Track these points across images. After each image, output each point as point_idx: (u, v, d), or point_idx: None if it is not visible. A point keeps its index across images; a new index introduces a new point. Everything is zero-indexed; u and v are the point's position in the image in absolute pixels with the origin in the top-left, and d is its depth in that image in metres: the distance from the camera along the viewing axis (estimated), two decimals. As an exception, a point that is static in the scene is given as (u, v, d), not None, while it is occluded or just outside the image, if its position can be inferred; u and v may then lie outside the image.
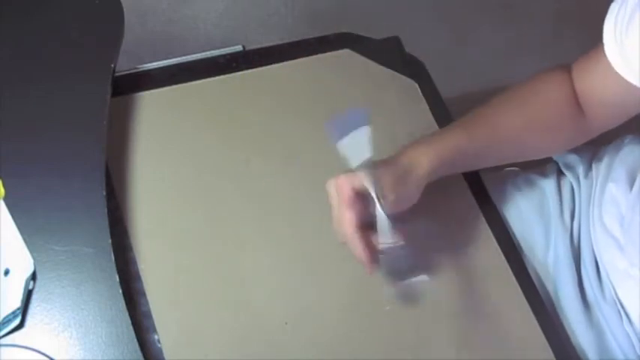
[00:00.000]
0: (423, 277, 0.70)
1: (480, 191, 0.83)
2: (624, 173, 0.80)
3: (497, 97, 0.77)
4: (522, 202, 0.87)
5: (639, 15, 0.65)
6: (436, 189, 0.79)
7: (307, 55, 0.87)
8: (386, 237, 0.65)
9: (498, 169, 0.95)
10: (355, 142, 0.66)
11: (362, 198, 0.65)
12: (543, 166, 0.91)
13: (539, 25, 1.80)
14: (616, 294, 0.77)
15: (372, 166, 0.66)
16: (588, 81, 0.75)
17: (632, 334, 0.76)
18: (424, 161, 0.70)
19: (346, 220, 0.65)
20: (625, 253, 0.75)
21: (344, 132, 0.66)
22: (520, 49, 1.74)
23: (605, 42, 0.69)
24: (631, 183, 0.79)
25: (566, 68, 0.77)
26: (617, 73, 0.69)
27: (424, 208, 0.79)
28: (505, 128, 0.75)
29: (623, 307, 0.76)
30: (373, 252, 0.65)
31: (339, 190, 0.65)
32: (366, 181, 0.65)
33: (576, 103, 0.76)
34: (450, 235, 0.79)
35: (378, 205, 0.65)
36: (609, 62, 0.69)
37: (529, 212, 0.86)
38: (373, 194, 0.65)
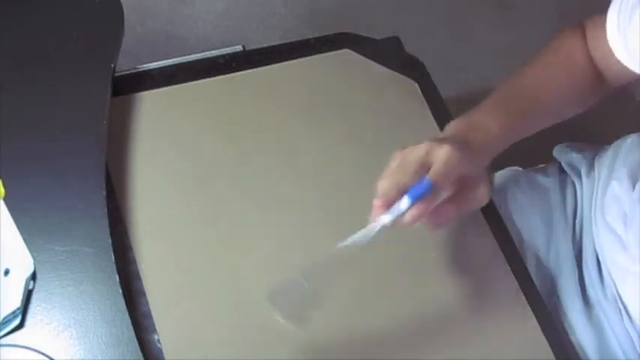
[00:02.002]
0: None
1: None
2: (627, 172, 0.80)
3: (520, 73, 0.76)
4: (524, 201, 0.87)
5: None
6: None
7: (307, 55, 0.87)
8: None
9: (500, 168, 0.95)
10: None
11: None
12: (545, 165, 0.91)
13: (539, 25, 1.80)
14: (617, 292, 0.77)
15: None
16: (597, 45, 0.74)
17: (632, 333, 0.76)
18: (489, 147, 0.68)
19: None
20: (627, 250, 0.75)
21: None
22: (520, 49, 1.73)
23: (608, 30, 0.69)
24: (633, 181, 0.79)
25: (579, 27, 0.77)
26: (617, 59, 0.69)
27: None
28: (544, 101, 0.74)
29: (624, 304, 0.76)
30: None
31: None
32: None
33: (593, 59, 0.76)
34: (449, 234, 0.79)
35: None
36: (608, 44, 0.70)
37: (531, 210, 0.86)
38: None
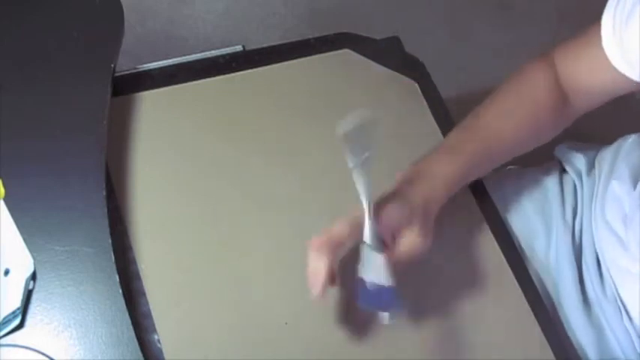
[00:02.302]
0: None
1: (480, 191, 0.83)
2: (627, 171, 0.80)
3: (484, 107, 0.76)
4: (524, 200, 0.87)
5: None
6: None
7: (307, 55, 0.87)
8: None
9: (500, 167, 0.95)
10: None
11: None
12: (546, 164, 0.91)
13: (539, 25, 1.80)
14: (617, 292, 0.77)
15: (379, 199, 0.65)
16: (574, 66, 0.75)
17: (632, 332, 0.76)
18: (438, 198, 0.69)
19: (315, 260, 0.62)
20: (627, 250, 0.75)
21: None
22: (520, 49, 1.73)
23: (603, 34, 0.69)
24: (634, 181, 0.79)
25: (546, 57, 0.77)
26: (606, 62, 0.70)
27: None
28: (498, 140, 0.75)
29: (624, 304, 0.76)
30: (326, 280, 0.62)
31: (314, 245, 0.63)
32: (358, 184, 0.63)
33: (559, 90, 0.76)
34: (449, 235, 0.79)
35: (366, 221, 0.63)
36: (603, 53, 0.70)
37: (531, 210, 0.86)
38: (364, 203, 0.63)
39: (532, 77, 0.77)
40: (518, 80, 0.78)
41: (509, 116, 0.76)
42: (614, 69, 0.69)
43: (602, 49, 0.70)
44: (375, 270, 0.63)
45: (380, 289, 0.63)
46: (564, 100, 0.76)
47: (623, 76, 0.69)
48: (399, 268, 0.64)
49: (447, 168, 0.71)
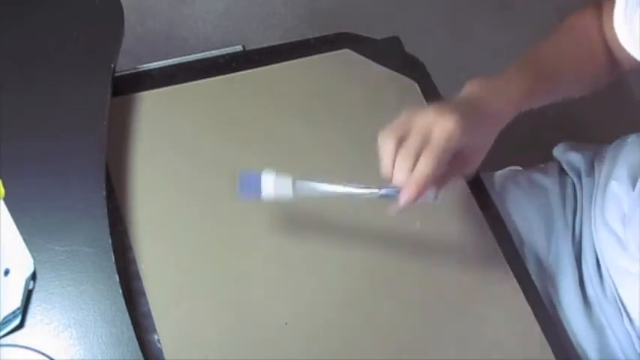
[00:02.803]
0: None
1: (480, 191, 0.83)
2: (626, 172, 0.80)
3: (543, 43, 0.76)
4: (524, 201, 0.87)
5: None
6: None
7: (307, 55, 0.87)
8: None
9: (500, 168, 0.95)
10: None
11: None
12: (545, 165, 0.91)
13: (539, 25, 1.80)
14: (617, 292, 0.77)
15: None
16: (608, 30, 0.75)
17: (632, 333, 0.76)
18: (507, 108, 0.67)
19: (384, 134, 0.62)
20: (627, 250, 0.75)
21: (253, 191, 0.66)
22: (520, 49, 1.73)
23: (615, 19, 0.70)
24: (633, 181, 0.79)
25: (596, 10, 0.77)
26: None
27: (422, 206, 0.80)
28: (563, 70, 0.74)
29: (623, 305, 0.76)
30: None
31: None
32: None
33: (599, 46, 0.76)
34: (450, 235, 0.79)
35: None
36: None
37: (531, 210, 0.86)
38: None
39: (585, 20, 0.77)
40: (572, 24, 0.78)
41: (569, 51, 0.75)
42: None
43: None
44: None
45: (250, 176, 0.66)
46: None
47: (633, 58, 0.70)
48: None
49: (521, 86, 0.68)
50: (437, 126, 0.61)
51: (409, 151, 0.61)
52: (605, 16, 0.75)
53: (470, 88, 0.68)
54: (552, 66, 0.73)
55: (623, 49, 0.72)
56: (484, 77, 0.69)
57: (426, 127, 0.62)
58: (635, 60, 0.71)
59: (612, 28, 0.73)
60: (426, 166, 0.60)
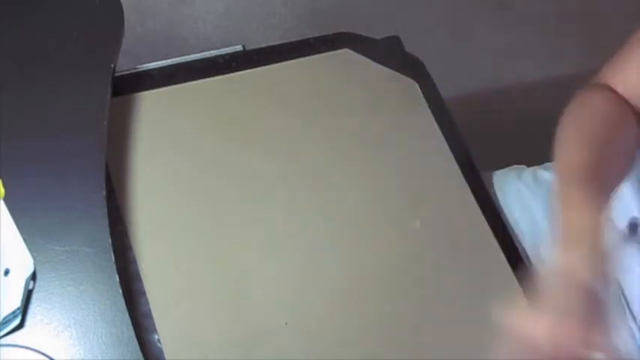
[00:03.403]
0: None
1: (480, 191, 0.83)
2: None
3: (577, 147, 0.67)
4: (528, 198, 0.87)
5: None
6: (436, 188, 0.80)
7: (307, 55, 0.87)
8: None
9: (501, 166, 0.95)
10: None
11: None
12: (550, 162, 0.91)
13: (539, 25, 1.80)
14: (621, 289, 0.77)
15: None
16: (626, 80, 0.73)
17: (635, 330, 0.76)
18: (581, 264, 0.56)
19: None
20: (631, 247, 0.75)
21: None
22: (520, 49, 1.74)
23: None
24: (638, 180, 0.79)
25: (595, 86, 0.75)
26: None
27: (423, 206, 0.80)
28: (614, 172, 0.67)
29: (627, 303, 0.76)
30: None
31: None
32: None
33: (627, 107, 0.73)
34: (450, 235, 0.79)
35: None
36: None
37: (535, 208, 0.86)
38: None
39: (594, 96, 0.73)
40: (583, 102, 0.72)
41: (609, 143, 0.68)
42: None
43: None
44: None
45: None
46: (634, 113, 0.73)
47: None
48: None
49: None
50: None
51: None
52: (613, 77, 0.73)
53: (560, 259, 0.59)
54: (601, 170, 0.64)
55: None
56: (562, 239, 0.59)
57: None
58: None
59: (628, 80, 0.71)
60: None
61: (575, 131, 0.68)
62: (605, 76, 0.75)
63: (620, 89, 0.74)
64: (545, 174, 0.89)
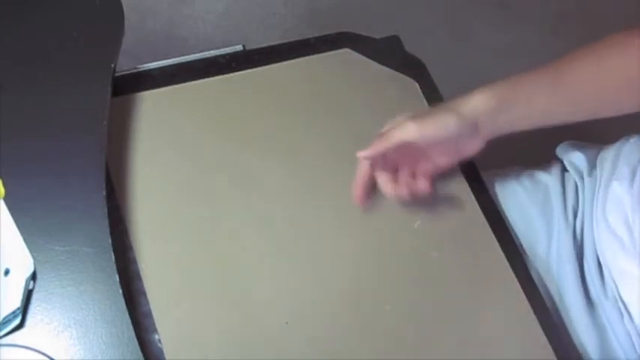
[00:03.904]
0: None
1: (480, 190, 0.83)
2: (628, 172, 0.80)
3: (569, 57, 0.77)
4: (525, 199, 0.87)
5: None
6: (436, 187, 0.80)
7: (307, 55, 0.87)
8: None
9: (501, 166, 0.95)
10: None
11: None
12: (547, 163, 0.91)
13: (539, 25, 1.80)
14: (618, 293, 0.77)
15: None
16: None
17: (633, 333, 0.76)
18: (480, 98, 0.73)
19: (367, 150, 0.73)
20: (628, 252, 0.75)
21: None
22: (520, 49, 1.74)
23: None
24: (635, 182, 0.79)
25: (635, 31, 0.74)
26: None
27: (423, 205, 0.80)
28: (581, 85, 0.74)
29: (625, 305, 0.76)
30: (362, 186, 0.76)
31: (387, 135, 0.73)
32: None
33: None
34: (450, 234, 0.79)
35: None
36: None
37: (531, 209, 0.86)
38: None
39: (624, 42, 0.74)
40: (610, 43, 0.75)
41: (599, 69, 0.74)
42: None
43: None
44: None
45: None
46: None
47: None
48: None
49: (510, 94, 0.74)
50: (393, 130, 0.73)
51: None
52: None
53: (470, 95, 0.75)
54: (570, 75, 0.74)
55: None
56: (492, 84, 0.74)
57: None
58: None
59: None
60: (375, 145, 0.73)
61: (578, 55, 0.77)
62: None
63: None
64: (543, 176, 0.89)
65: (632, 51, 0.73)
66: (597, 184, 0.83)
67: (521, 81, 0.74)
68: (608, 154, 0.85)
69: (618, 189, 0.80)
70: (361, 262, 0.75)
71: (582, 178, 0.86)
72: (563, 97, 0.74)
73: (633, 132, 0.86)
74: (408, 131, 0.72)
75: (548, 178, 0.88)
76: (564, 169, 0.89)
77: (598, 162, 0.86)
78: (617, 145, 0.86)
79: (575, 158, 0.88)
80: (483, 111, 0.73)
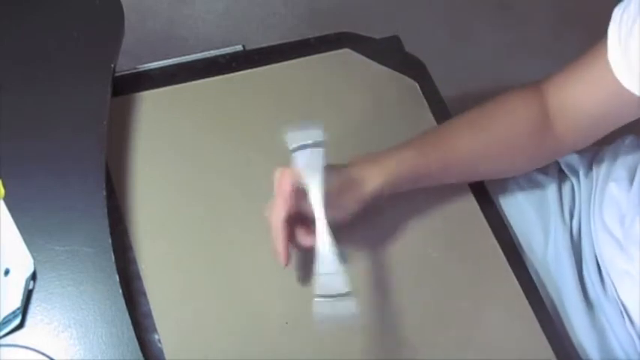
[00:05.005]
0: (350, 304, 0.62)
1: (480, 190, 0.83)
2: (625, 173, 0.80)
3: (458, 118, 0.77)
4: (522, 200, 0.87)
5: None
6: (436, 187, 0.79)
7: (307, 55, 0.87)
8: (327, 264, 0.64)
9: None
10: (310, 159, 0.66)
11: (300, 194, 0.66)
12: (545, 165, 0.91)
13: (539, 25, 1.80)
14: (617, 293, 0.77)
15: (323, 171, 0.66)
16: (575, 89, 0.73)
17: (633, 334, 0.76)
18: (374, 179, 0.70)
19: (276, 211, 0.66)
20: (626, 252, 0.75)
21: (300, 142, 0.66)
22: (520, 49, 1.74)
23: (609, 44, 0.68)
24: (632, 183, 0.79)
25: (534, 86, 0.76)
26: (613, 79, 0.68)
27: (423, 205, 0.80)
28: (462, 152, 0.75)
29: (624, 306, 0.76)
30: (287, 248, 0.67)
31: (280, 181, 0.66)
32: (313, 196, 0.65)
33: (543, 122, 0.75)
34: (449, 234, 0.79)
35: (322, 230, 0.65)
36: (606, 68, 0.68)
37: (529, 210, 0.86)
38: (318, 213, 0.65)
39: (515, 101, 0.76)
40: (500, 102, 0.77)
41: (482, 135, 0.75)
42: (619, 85, 0.68)
43: (607, 64, 0.68)
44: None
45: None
46: (546, 132, 0.75)
47: (628, 91, 0.68)
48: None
49: (405, 159, 0.72)
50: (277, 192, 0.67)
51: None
52: (561, 86, 0.74)
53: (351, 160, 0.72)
54: (450, 144, 0.75)
55: (597, 105, 0.71)
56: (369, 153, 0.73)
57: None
58: (623, 100, 0.68)
59: (575, 92, 0.72)
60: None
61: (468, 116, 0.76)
62: (551, 83, 0.75)
63: (555, 99, 0.74)
64: (540, 176, 0.89)
65: (517, 115, 0.75)
66: (594, 184, 0.83)
67: (409, 159, 0.73)
68: (604, 156, 0.85)
69: (615, 190, 0.80)
70: (360, 263, 0.75)
71: (579, 179, 0.86)
72: (453, 167, 0.76)
73: (628, 133, 0.86)
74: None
75: (545, 179, 0.88)
76: (561, 171, 0.90)
77: (594, 163, 0.86)
78: (613, 146, 0.86)
79: (571, 159, 0.88)
80: (376, 191, 0.71)
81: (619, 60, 0.67)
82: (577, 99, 0.73)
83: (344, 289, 0.62)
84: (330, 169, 0.67)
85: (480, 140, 0.76)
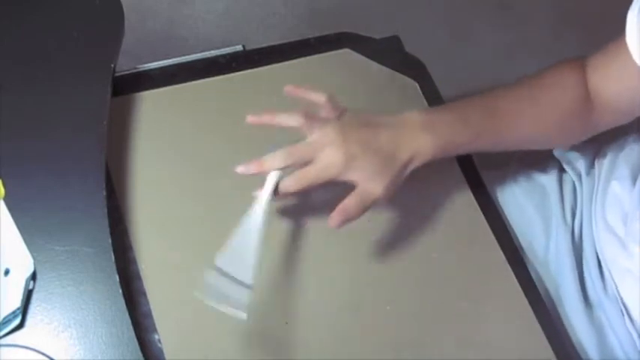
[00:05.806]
0: (240, 313, 0.62)
1: (479, 190, 0.83)
2: (628, 171, 0.80)
3: (507, 91, 0.75)
4: (523, 199, 0.87)
5: None
6: (436, 187, 0.80)
7: (307, 55, 0.87)
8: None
9: (500, 166, 0.95)
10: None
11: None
12: (545, 163, 0.91)
13: (539, 25, 1.80)
14: (618, 292, 0.77)
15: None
16: (605, 75, 0.73)
17: (633, 333, 0.76)
18: (426, 152, 0.69)
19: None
20: (627, 250, 0.75)
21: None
22: (520, 49, 1.74)
23: (628, 31, 0.69)
24: (634, 181, 0.79)
25: (579, 62, 0.76)
26: (635, 65, 0.68)
27: (423, 205, 0.80)
28: (518, 134, 0.75)
29: (624, 304, 0.76)
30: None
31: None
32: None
33: (587, 99, 0.75)
34: (451, 235, 0.79)
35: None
36: (629, 54, 0.68)
37: (529, 209, 0.86)
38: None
39: (562, 78, 0.76)
40: (548, 76, 0.76)
41: (533, 110, 0.74)
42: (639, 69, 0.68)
43: (630, 54, 0.68)
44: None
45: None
46: (589, 109, 0.75)
47: None
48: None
49: (454, 138, 0.71)
50: (324, 153, 0.66)
51: (293, 155, 0.67)
52: (596, 64, 0.74)
53: (409, 115, 0.71)
54: (506, 115, 0.74)
55: (622, 92, 0.71)
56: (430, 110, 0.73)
57: (319, 144, 0.67)
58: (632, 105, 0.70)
59: (606, 75, 0.73)
60: (289, 186, 0.67)
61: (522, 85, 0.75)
62: (589, 62, 0.75)
63: (592, 78, 0.75)
64: (540, 176, 0.89)
65: (566, 92, 0.75)
66: (596, 183, 0.83)
67: (462, 134, 0.72)
68: (606, 154, 0.85)
69: (618, 188, 0.80)
70: (361, 263, 0.75)
71: (580, 177, 0.86)
72: (493, 126, 0.74)
73: (630, 131, 0.86)
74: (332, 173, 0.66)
75: (546, 178, 0.88)
76: (562, 169, 0.90)
77: (596, 161, 0.86)
78: (615, 144, 0.86)
79: (572, 158, 0.88)
80: (425, 159, 0.70)
81: (637, 46, 0.67)
82: (604, 83, 0.74)
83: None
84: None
85: (531, 118, 0.75)
